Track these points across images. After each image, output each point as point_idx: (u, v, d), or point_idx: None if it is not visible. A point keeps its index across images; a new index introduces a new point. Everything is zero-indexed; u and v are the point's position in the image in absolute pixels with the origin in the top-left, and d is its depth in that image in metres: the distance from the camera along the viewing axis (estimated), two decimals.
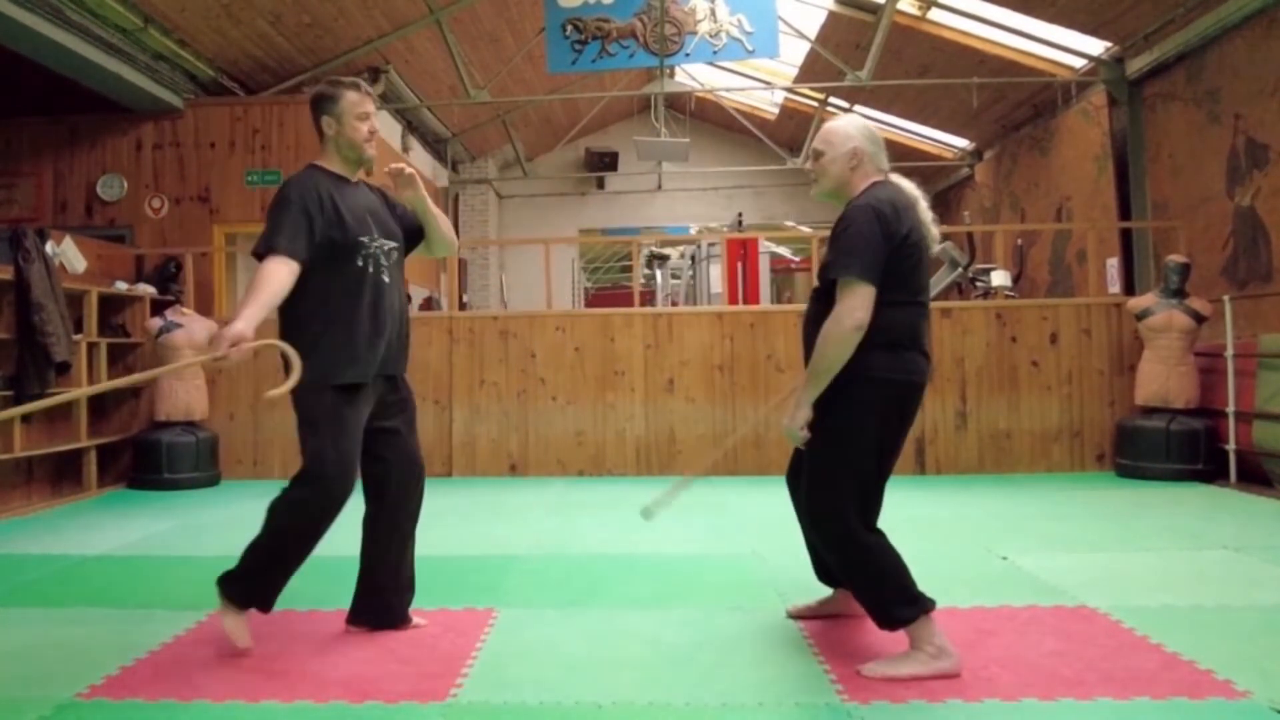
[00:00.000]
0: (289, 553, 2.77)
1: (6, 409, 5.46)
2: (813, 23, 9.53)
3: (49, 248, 5.74)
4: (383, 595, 2.96)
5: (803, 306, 2.75)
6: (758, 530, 4.48)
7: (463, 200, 12.93)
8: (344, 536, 4.51)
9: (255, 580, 2.76)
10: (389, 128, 10.25)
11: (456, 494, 5.02)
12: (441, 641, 2.87)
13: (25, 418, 5.52)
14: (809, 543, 2.99)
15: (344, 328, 2.72)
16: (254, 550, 2.75)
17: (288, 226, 2.64)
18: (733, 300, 8.95)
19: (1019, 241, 9.57)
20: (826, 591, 3.08)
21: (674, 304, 11.91)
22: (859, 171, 2.64)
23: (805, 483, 2.63)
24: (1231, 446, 5.71)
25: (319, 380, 2.66)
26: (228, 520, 5.14)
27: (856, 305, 2.44)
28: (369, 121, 2.80)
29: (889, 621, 2.54)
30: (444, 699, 2.41)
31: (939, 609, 3.12)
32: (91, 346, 6.28)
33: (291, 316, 2.73)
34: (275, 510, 2.73)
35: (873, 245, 2.45)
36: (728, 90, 11.81)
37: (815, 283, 2.70)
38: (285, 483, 2.73)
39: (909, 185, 2.67)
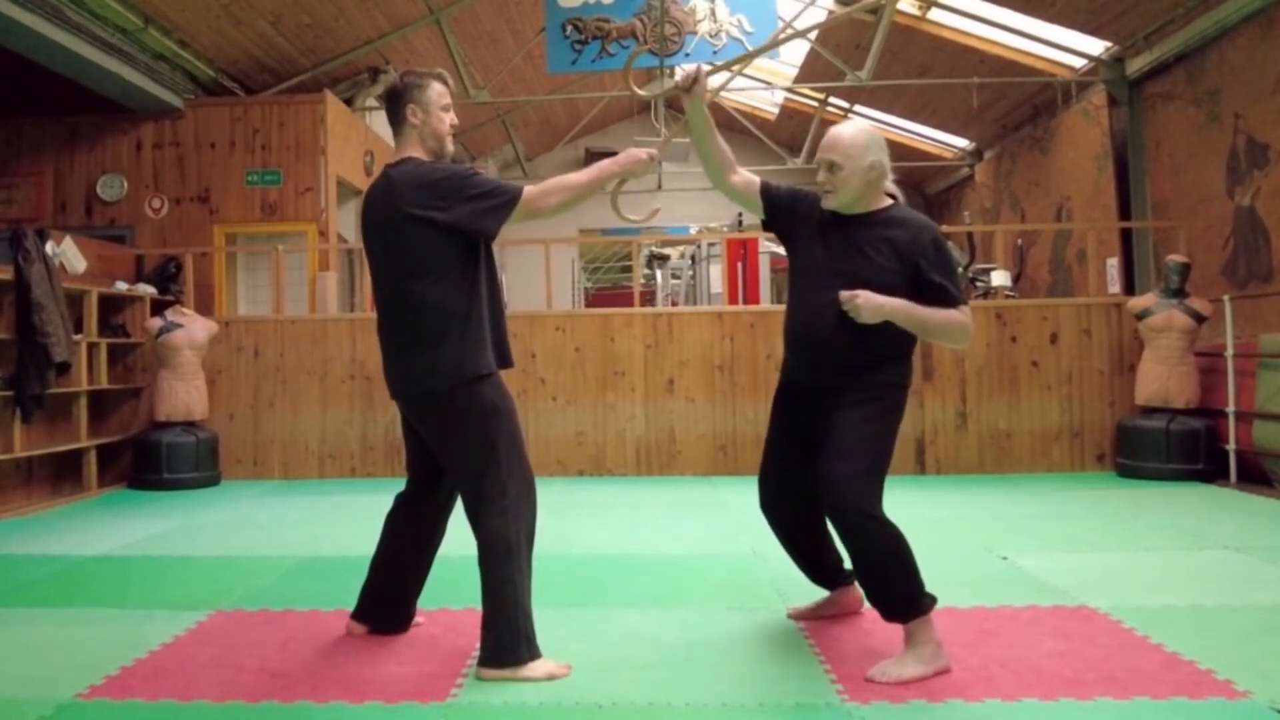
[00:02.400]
0: (527, 564, 2.62)
1: (6, 409, 5.46)
2: (813, 23, 9.52)
3: (49, 248, 5.74)
4: (398, 606, 2.94)
5: None
6: (758, 530, 4.44)
7: None
8: (344, 536, 4.52)
9: (526, 619, 2.58)
10: (389, 128, 10.25)
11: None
12: (441, 641, 2.87)
13: (25, 418, 5.52)
14: (794, 551, 2.98)
15: (492, 317, 2.69)
16: (503, 596, 2.55)
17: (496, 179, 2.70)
18: (733, 300, 8.95)
19: (1019, 241, 9.56)
20: (824, 592, 3.08)
21: (674, 304, 11.90)
22: (875, 185, 2.63)
23: (840, 474, 2.54)
24: (1232, 446, 5.71)
25: (489, 369, 2.63)
26: (228, 520, 5.15)
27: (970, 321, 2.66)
28: (451, 114, 2.77)
29: (905, 613, 2.54)
30: (444, 699, 2.41)
31: (940, 609, 3.12)
32: (91, 346, 6.28)
33: (454, 307, 2.59)
34: (494, 539, 2.55)
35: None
36: (728, 90, 11.81)
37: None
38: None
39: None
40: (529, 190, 2.63)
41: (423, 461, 2.83)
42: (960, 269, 8.05)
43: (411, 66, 2.88)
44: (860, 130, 2.67)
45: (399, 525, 2.89)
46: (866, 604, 3.03)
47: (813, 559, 2.99)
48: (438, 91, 2.74)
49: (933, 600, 2.55)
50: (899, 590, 2.54)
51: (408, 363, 2.63)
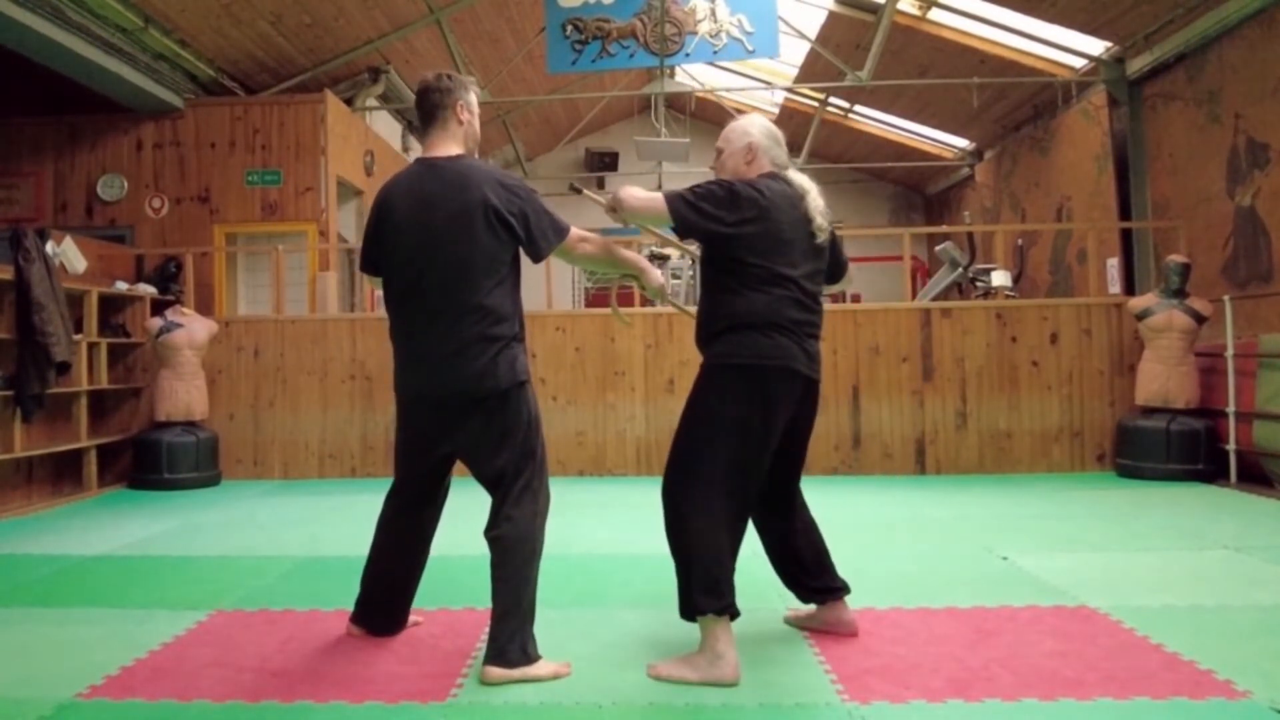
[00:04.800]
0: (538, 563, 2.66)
1: (6, 408, 5.46)
2: (813, 23, 9.53)
3: (49, 248, 5.74)
4: (398, 609, 2.94)
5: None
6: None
7: None
8: (344, 536, 4.52)
9: (531, 615, 2.61)
10: (389, 128, 10.26)
11: (457, 494, 5.05)
12: (441, 641, 2.87)
13: (25, 418, 5.52)
14: (773, 559, 2.92)
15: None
16: (522, 594, 2.57)
17: None
18: None
19: (1019, 241, 9.57)
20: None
21: None
22: (753, 165, 2.74)
23: (669, 456, 2.71)
24: (1232, 446, 5.71)
25: (528, 377, 2.72)
26: (228, 520, 5.15)
27: (647, 197, 2.66)
28: None
29: (684, 610, 2.57)
30: (444, 699, 2.41)
31: (940, 609, 3.12)
32: (91, 346, 6.28)
33: (509, 312, 2.65)
34: (522, 539, 2.59)
35: (707, 199, 2.59)
36: (728, 90, 11.82)
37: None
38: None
39: (801, 179, 2.73)
40: (574, 230, 2.72)
41: (429, 471, 2.79)
42: (960, 269, 8.08)
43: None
44: (750, 119, 2.84)
45: (397, 532, 2.85)
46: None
47: (780, 554, 2.89)
48: (477, 97, 2.83)
49: (727, 608, 2.49)
50: (680, 586, 2.56)
51: (468, 362, 2.57)
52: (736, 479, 2.57)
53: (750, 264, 2.58)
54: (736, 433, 2.55)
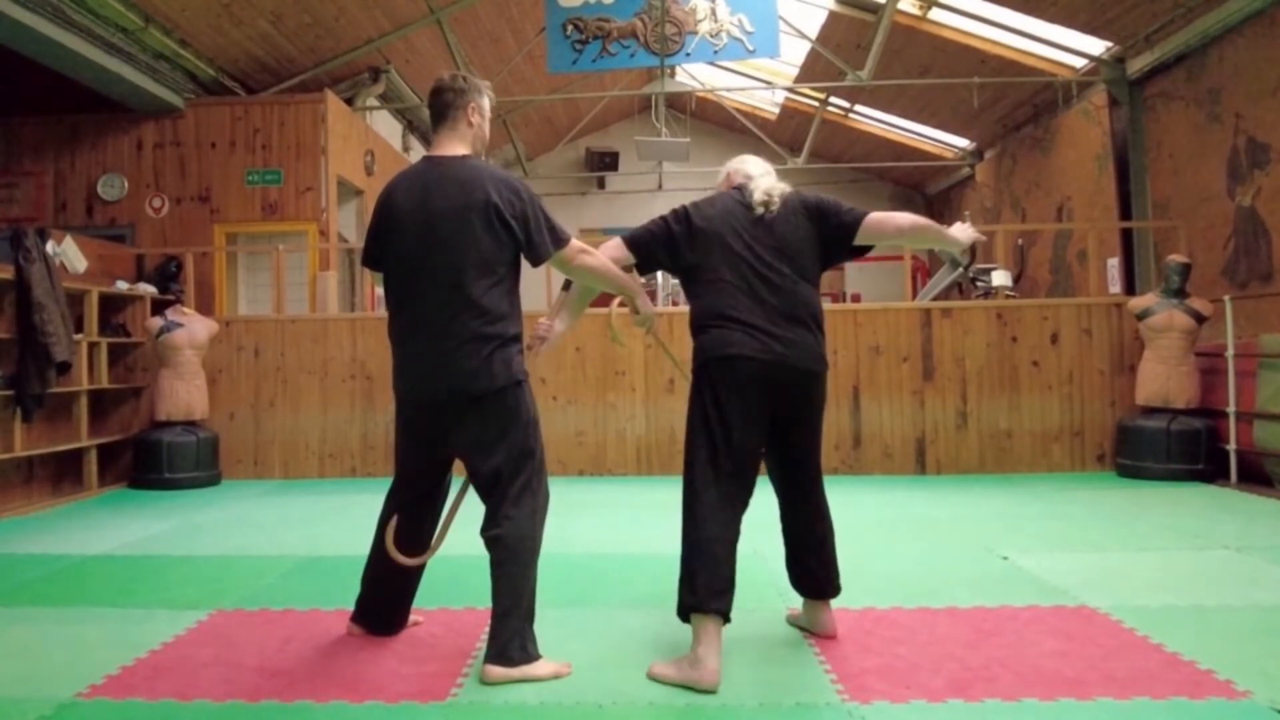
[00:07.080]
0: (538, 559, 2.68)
1: (7, 408, 5.46)
2: (813, 23, 9.53)
3: (49, 247, 5.74)
4: (399, 609, 2.94)
5: None
6: (758, 530, 4.45)
7: None
8: (344, 536, 4.52)
9: (531, 615, 2.61)
10: (389, 128, 10.25)
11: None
12: (442, 641, 2.87)
13: (26, 417, 5.53)
14: (783, 531, 2.93)
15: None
16: (522, 594, 2.58)
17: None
18: None
19: (1020, 241, 9.57)
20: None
21: (675, 304, 11.89)
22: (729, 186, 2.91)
23: None
24: (1232, 446, 5.71)
25: (525, 377, 2.73)
26: (228, 520, 5.15)
27: (609, 247, 2.84)
28: None
29: (677, 608, 2.60)
30: (444, 699, 2.41)
31: (940, 609, 3.12)
32: (92, 346, 6.28)
33: (506, 311, 2.67)
34: (522, 539, 2.59)
35: (648, 230, 2.82)
36: (728, 90, 11.82)
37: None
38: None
39: (756, 170, 2.86)
40: (575, 242, 2.75)
41: (429, 470, 2.80)
42: (961, 269, 8.08)
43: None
44: (731, 161, 2.99)
45: (398, 533, 2.83)
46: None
47: (789, 544, 2.90)
48: (491, 103, 2.83)
49: (705, 606, 2.49)
50: (680, 584, 2.58)
51: (464, 360, 2.57)
52: (715, 475, 2.60)
53: (696, 267, 2.71)
54: (703, 430, 2.65)
